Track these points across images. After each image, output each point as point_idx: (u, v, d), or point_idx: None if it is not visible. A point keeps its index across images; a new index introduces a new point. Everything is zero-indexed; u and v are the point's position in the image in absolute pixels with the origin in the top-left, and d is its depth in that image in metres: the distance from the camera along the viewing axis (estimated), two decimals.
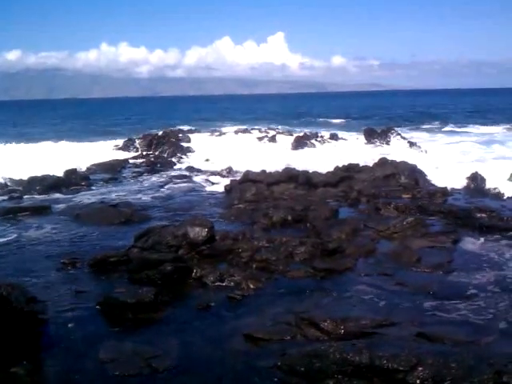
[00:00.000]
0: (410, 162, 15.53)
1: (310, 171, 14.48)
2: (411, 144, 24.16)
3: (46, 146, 25.81)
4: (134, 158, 23.40)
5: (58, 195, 14.43)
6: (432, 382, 4.15)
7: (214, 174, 17.98)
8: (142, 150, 26.03)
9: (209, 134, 35.57)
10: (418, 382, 4.19)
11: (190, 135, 32.05)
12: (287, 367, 4.71)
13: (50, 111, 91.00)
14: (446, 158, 19.37)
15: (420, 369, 4.24)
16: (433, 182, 14.43)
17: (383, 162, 15.90)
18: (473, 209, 10.34)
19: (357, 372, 4.40)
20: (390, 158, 16.36)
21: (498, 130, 35.14)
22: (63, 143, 27.43)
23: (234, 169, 18.17)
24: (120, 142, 28.90)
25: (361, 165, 15.77)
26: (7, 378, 4.69)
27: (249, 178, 13.78)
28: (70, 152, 23.61)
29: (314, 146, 26.79)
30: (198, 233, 8.47)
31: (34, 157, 20.64)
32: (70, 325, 5.92)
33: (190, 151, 25.27)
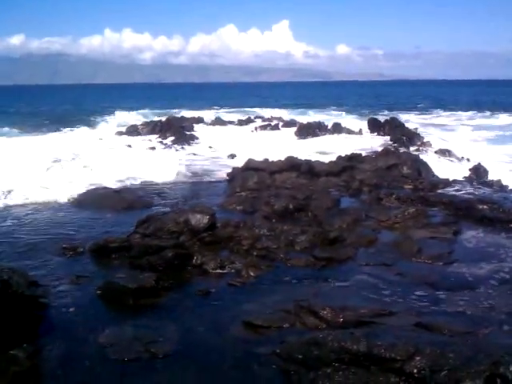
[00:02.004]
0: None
1: (313, 160, 14.46)
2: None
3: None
4: (137, 143, 23.41)
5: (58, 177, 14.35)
6: (429, 371, 4.16)
7: (216, 161, 17.99)
8: (144, 136, 26.08)
9: (211, 121, 35.53)
10: (415, 371, 4.20)
11: (194, 123, 32.04)
12: (286, 355, 4.74)
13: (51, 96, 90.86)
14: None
15: (417, 358, 4.25)
16: (435, 173, 14.39)
17: (386, 152, 15.87)
18: (474, 200, 10.31)
19: (354, 360, 4.42)
20: None
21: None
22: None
23: (237, 156, 18.17)
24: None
25: (363, 154, 15.75)
26: (7, 360, 4.73)
27: (251, 166, 13.76)
28: (72, 138, 23.69)
29: (317, 135, 26.77)
30: (199, 220, 8.49)
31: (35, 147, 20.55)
32: (70, 309, 5.96)
33: (192, 138, 25.26)
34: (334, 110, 48.93)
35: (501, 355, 4.14)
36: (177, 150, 21.37)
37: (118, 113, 42.15)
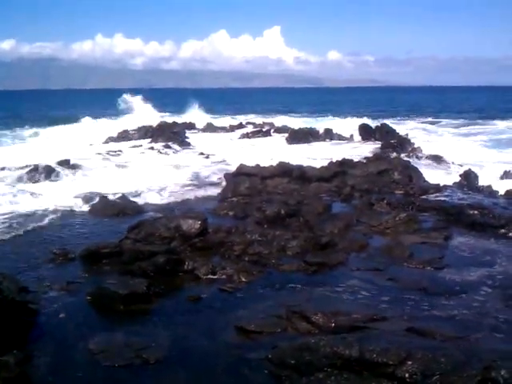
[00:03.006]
0: None
1: (304, 166, 14.47)
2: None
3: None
4: (128, 148, 23.35)
5: (49, 184, 14.32)
6: (421, 376, 4.17)
7: (208, 166, 17.98)
8: (136, 141, 26.02)
9: (203, 127, 35.50)
10: (407, 376, 4.21)
11: (185, 129, 31.98)
12: (278, 360, 4.72)
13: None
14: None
15: (409, 363, 4.26)
16: (426, 179, 14.45)
17: (377, 157, 15.93)
18: (465, 206, 10.37)
19: (347, 365, 4.42)
20: None
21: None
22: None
23: (228, 162, 18.18)
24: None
25: (355, 160, 15.79)
26: None
27: (243, 172, 13.75)
28: (61, 143, 23.70)
29: (309, 141, 26.81)
30: (191, 225, 8.47)
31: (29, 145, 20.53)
32: (61, 315, 5.92)
33: (184, 144, 25.23)
34: (325, 115, 48.99)
35: (492, 360, 4.16)
36: (168, 155, 21.32)
37: (105, 119, 42.11)
